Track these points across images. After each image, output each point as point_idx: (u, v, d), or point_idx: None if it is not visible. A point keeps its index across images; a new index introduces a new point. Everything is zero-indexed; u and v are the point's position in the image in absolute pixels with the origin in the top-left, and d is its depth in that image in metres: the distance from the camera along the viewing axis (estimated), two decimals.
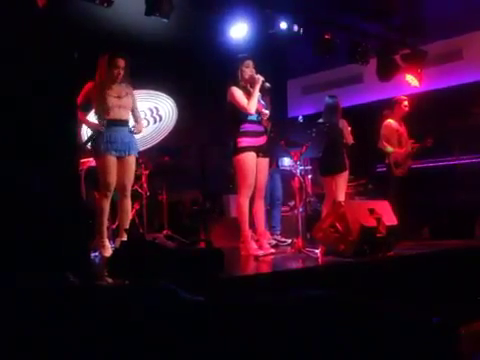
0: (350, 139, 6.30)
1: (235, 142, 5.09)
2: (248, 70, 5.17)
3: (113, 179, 4.94)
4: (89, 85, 5.00)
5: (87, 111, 5.19)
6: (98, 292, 2.57)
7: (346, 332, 1.73)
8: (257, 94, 5.11)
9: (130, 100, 5.13)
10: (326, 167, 6.32)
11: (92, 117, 5.24)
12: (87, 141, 5.15)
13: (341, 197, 6.15)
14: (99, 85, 4.98)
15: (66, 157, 3.97)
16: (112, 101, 4.96)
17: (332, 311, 1.81)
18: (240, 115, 5.11)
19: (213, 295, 2.95)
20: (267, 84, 5.14)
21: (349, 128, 6.35)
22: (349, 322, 1.76)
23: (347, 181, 6.46)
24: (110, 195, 4.98)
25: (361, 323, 1.77)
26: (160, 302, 1.98)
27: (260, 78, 5.11)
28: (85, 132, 6.96)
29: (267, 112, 5.20)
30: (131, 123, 5.20)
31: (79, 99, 4.96)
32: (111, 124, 4.96)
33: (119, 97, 5.01)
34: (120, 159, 5.00)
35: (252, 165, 5.10)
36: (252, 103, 5.07)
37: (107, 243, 5.03)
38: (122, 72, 5.01)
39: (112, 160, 4.93)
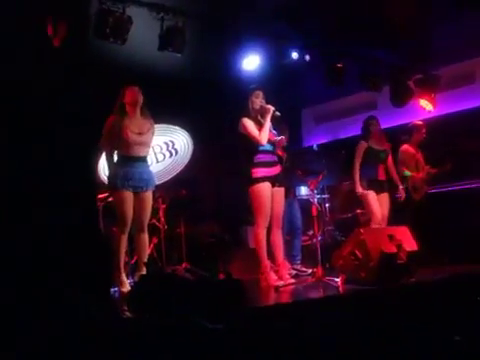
0: None
1: (249, 173, 5.13)
2: (258, 100, 5.25)
3: (129, 214, 4.93)
4: (111, 119, 4.99)
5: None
6: (120, 324, 2.59)
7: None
8: (268, 124, 5.17)
9: (151, 136, 5.13)
10: None
11: None
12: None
13: None
14: (118, 118, 4.97)
15: (83, 192, 4.03)
16: (133, 138, 4.94)
17: (349, 335, 1.81)
18: (253, 146, 5.16)
19: (233, 327, 2.96)
20: (277, 113, 5.20)
21: None
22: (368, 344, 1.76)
23: None
24: (127, 230, 4.96)
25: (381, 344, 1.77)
26: (180, 330, 1.99)
27: (271, 108, 5.18)
28: (102, 167, 7.05)
29: (281, 137, 5.22)
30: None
31: (105, 134, 4.95)
32: (129, 160, 4.98)
33: (140, 133, 5.00)
34: (137, 194, 4.99)
35: (267, 195, 5.12)
36: (263, 134, 5.13)
37: (125, 278, 5.01)
38: (141, 97, 5.02)
39: (128, 195, 4.92)
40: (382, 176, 6.43)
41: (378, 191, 6.29)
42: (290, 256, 6.43)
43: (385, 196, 6.37)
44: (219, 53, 6.28)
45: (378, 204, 6.23)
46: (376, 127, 6.45)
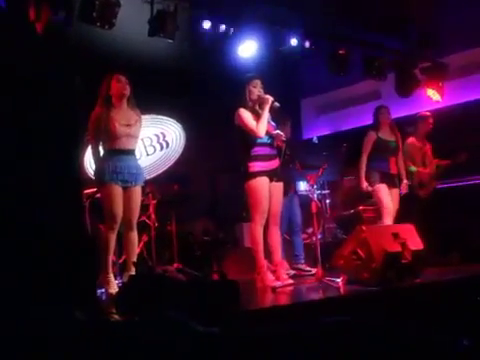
0: None
1: (246, 167, 5.11)
2: (256, 90, 5.21)
3: (119, 210, 4.92)
4: (96, 111, 4.97)
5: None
6: (106, 327, 2.60)
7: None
8: (266, 115, 5.12)
9: (139, 128, 5.12)
10: None
11: None
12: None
13: None
14: (104, 110, 4.94)
15: (68, 187, 4.03)
16: (121, 130, 4.92)
17: (350, 339, 1.83)
18: (250, 138, 5.14)
19: (228, 330, 2.97)
20: (276, 104, 5.16)
21: None
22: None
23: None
24: (116, 227, 4.95)
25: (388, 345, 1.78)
26: (171, 334, 2.00)
27: (269, 98, 5.13)
28: (88, 161, 7.05)
29: (277, 132, 5.20)
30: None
31: (91, 127, 4.94)
32: (117, 153, 4.96)
33: (129, 125, 4.98)
34: (125, 190, 4.98)
35: (265, 190, 5.11)
36: (261, 126, 5.09)
37: (112, 279, 5.00)
38: (128, 88, 5.00)
39: (117, 190, 4.92)
40: (394, 169, 6.40)
41: (390, 186, 6.28)
42: (292, 256, 6.43)
43: (396, 192, 6.34)
44: (212, 39, 6.26)
45: (390, 198, 6.22)
46: (386, 116, 6.44)
